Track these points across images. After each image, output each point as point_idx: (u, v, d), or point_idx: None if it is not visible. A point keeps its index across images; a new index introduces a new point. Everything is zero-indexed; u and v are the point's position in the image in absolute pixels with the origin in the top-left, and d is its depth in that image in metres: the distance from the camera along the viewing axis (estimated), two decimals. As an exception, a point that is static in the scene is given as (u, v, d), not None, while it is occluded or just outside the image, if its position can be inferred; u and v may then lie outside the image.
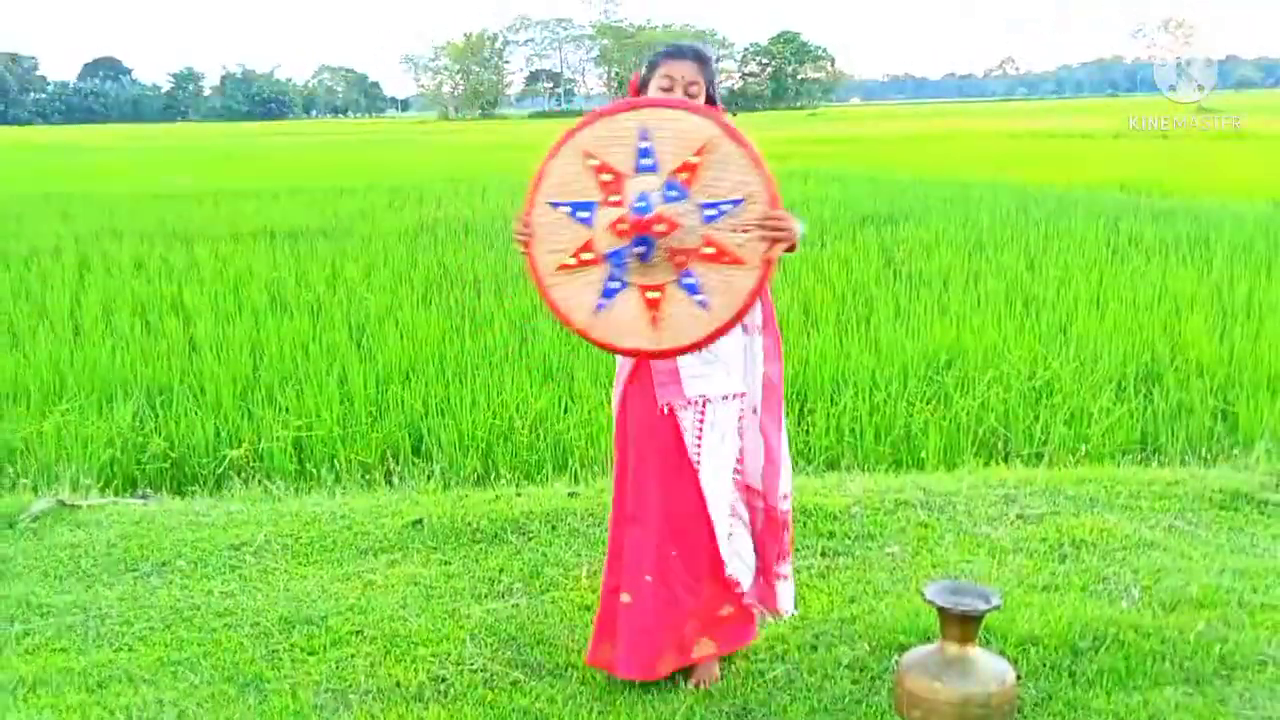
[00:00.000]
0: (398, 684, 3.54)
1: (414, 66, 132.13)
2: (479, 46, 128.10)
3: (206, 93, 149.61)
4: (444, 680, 3.57)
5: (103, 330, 8.77)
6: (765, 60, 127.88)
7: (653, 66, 3.22)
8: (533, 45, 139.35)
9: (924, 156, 30.34)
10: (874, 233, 13.52)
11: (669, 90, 3.14)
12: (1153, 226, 13.34)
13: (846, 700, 3.41)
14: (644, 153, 2.94)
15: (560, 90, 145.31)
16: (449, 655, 3.73)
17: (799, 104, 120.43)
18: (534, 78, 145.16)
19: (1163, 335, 7.91)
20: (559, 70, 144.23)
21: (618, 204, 2.95)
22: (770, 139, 44.63)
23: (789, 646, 3.75)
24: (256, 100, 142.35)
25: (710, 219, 2.92)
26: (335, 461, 6.03)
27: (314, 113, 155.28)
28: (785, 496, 3.49)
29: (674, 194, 2.92)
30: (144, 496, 5.54)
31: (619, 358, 3.35)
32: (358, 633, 3.92)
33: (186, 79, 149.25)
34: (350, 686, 3.54)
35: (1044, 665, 3.56)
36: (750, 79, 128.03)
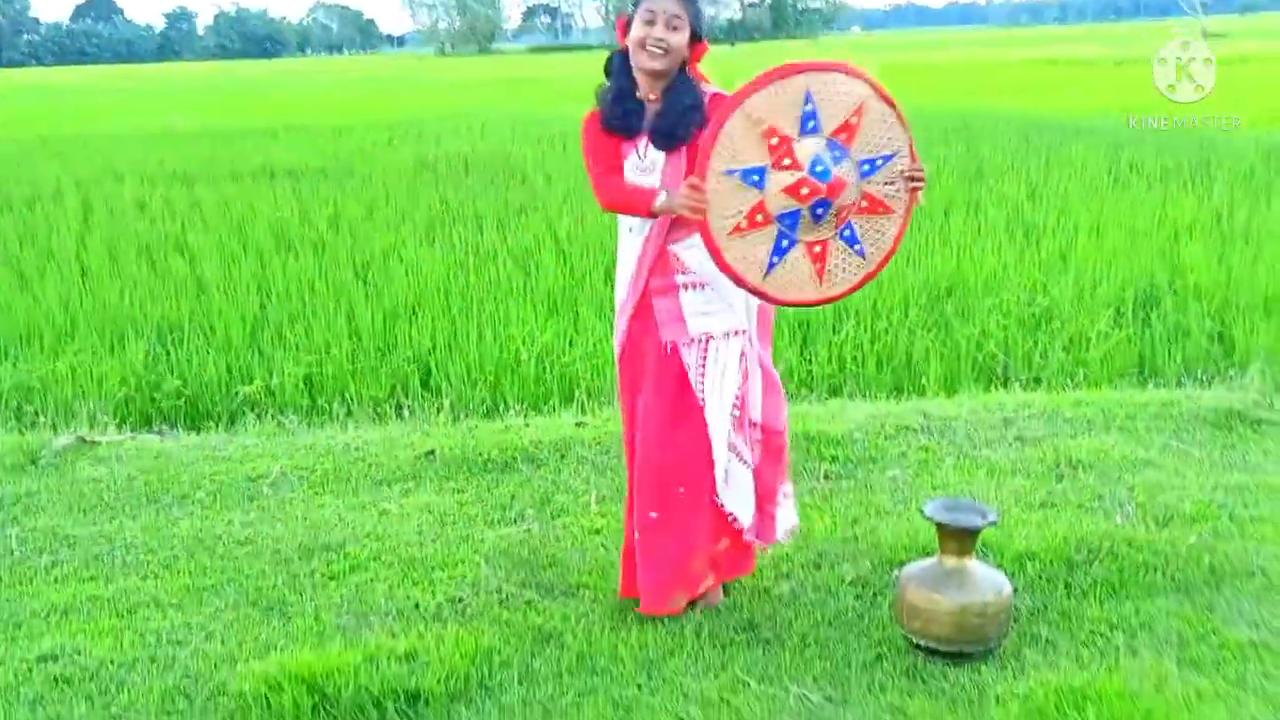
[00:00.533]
0: (416, 605, 3.67)
1: (410, 3, 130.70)
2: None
3: (200, 32, 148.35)
4: (461, 601, 3.70)
5: (110, 271, 8.85)
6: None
7: (637, 2, 3.23)
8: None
9: (925, 86, 30.11)
10: (875, 163, 13.51)
11: (651, 24, 3.17)
12: (1154, 153, 13.35)
13: (849, 614, 3.53)
14: (809, 115, 3.05)
15: (558, 25, 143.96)
16: (465, 578, 3.86)
17: (800, 33, 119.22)
18: (531, 13, 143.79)
19: (1161, 261, 7.99)
20: (556, 5, 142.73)
21: (789, 167, 3.06)
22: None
23: (793, 565, 3.88)
24: (251, 39, 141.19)
25: (866, 175, 3.11)
26: (346, 396, 6.14)
27: (309, 51, 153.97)
28: (784, 422, 3.56)
29: (837, 154, 3.08)
30: (160, 433, 5.66)
31: (619, 295, 3.44)
32: (376, 558, 4.05)
33: (179, 18, 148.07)
34: (370, 608, 3.67)
35: (1040, 578, 3.68)
36: (751, 8, 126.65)
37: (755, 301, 3.38)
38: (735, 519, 3.45)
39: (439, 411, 5.79)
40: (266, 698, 3.06)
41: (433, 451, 5.00)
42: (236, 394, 6.23)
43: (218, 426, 5.89)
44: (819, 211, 3.09)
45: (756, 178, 3.06)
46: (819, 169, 3.06)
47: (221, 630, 3.55)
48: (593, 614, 3.58)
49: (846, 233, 3.15)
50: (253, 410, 6.00)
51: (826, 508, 4.35)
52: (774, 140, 3.04)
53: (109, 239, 10.18)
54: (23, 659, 3.40)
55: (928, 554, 3.69)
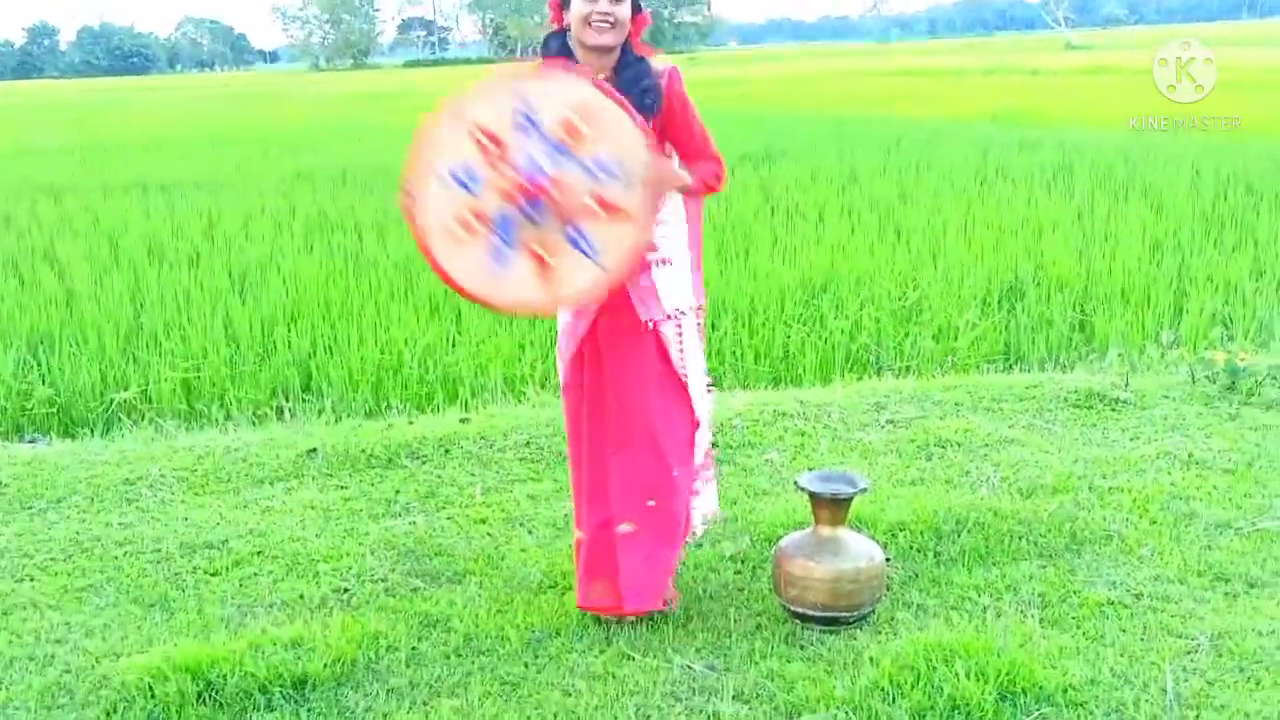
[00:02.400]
0: (301, 596, 3.68)
1: (282, 17, 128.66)
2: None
3: (63, 48, 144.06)
4: (346, 591, 3.71)
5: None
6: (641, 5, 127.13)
7: None
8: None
9: (801, 97, 30.72)
10: (752, 170, 13.78)
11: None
12: (1019, 156, 13.83)
13: (729, 588, 3.64)
14: (526, 118, 2.96)
15: (434, 39, 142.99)
16: (350, 569, 3.87)
17: (677, 48, 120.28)
18: (406, 26, 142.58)
19: (1026, 256, 8.29)
20: (432, 18, 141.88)
21: (504, 169, 2.96)
22: (648, 83, 44.56)
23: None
24: (117, 55, 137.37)
25: (595, 178, 2.97)
26: (225, 400, 6.08)
27: (179, 67, 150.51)
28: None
29: (559, 156, 2.96)
30: (32, 441, 5.53)
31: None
32: (259, 553, 4.03)
33: (41, 33, 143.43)
34: (255, 601, 3.66)
35: (911, 548, 3.83)
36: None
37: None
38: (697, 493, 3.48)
39: (320, 413, 5.77)
40: (150, 687, 3.04)
41: (315, 450, 4.98)
42: (111, 401, 6.12)
43: (93, 433, 5.78)
44: (530, 212, 2.96)
45: (471, 181, 2.97)
46: (531, 168, 2.95)
47: (102, 628, 3.51)
48: (479, 599, 3.62)
49: (574, 236, 2.98)
50: (129, 416, 5.90)
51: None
52: (488, 143, 2.95)
53: (-29, 254, 9.88)
54: (-107, 663, 3.32)
55: (804, 528, 3.82)
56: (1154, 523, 4.01)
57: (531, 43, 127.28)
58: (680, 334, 3.33)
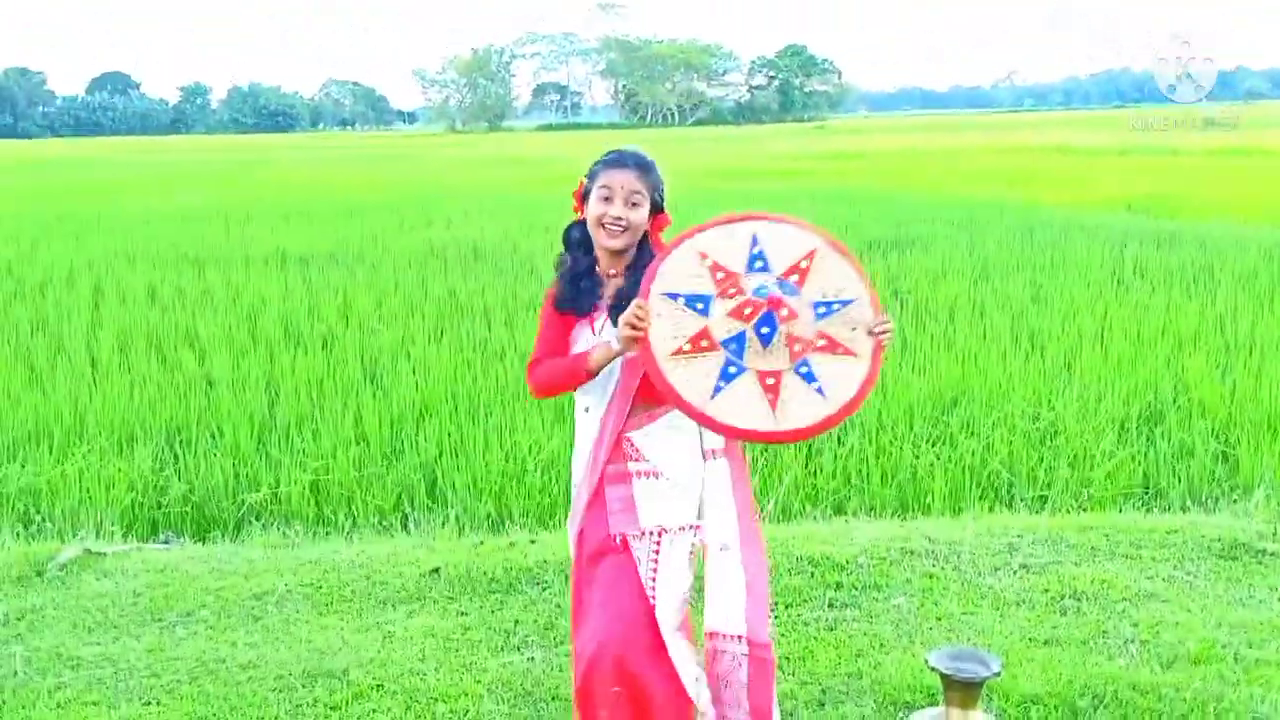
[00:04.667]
0: (418, 742, 3.67)
1: (421, 80, 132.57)
2: (486, 60, 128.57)
3: (214, 106, 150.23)
4: (463, 738, 3.70)
5: (119, 365, 8.92)
6: (772, 73, 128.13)
7: (593, 175, 3.15)
8: (540, 59, 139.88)
9: (931, 172, 30.51)
10: (881, 259, 13.65)
11: (609, 200, 3.09)
12: (1157, 253, 13.47)
13: (853, 760, 3.53)
14: (757, 255, 3.06)
15: (567, 103, 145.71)
16: (467, 712, 3.86)
17: (806, 116, 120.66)
18: (540, 90, 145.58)
19: (1166, 372, 8.02)
20: (565, 84, 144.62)
21: (734, 295, 3.02)
22: (775, 153, 44.83)
23: (797, 703, 3.87)
24: (263, 113, 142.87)
25: (822, 315, 3.04)
26: (352, 505, 6.16)
27: (321, 125, 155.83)
28: (770, 633, 3.19)
29: (787, 290, 3.03)
30: (166, 541, 5.68)
31: (576, 476, 3.28)
32: (378, 687, 4.05)
33: (194, 93, 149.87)
34: (373, 744, 3.66)
35: (1044, 726, 3.67)
36: (757, 91, 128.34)
37: (728, 497, 3.18)
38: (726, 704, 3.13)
39: (444, 524, 5.81)
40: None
41: (437, 569, 5.01)
42: (243, 502, 6.26)
43: (223, 535, 5.91)
44: (764, 331, 3.00)
45: (701, 305, 3.01)
46: (762, 291, 3.01)
47: (223, 766, 3.55)
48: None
49: (804, 369, 3.02)
50: (258, 519, 6.02)
51: (831, 638, 4.34)
52: (720, 275, 3.02)
53: (119, 328, 10.27)
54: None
55: (931, 694, 3.71)
56: (1305, 704, 3.79)
57: (662, 109, 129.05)
58: (656, 554, 3.11)
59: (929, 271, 12.67)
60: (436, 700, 3.94)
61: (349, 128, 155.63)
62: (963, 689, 3.25)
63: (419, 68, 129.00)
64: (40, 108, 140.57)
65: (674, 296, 3.02)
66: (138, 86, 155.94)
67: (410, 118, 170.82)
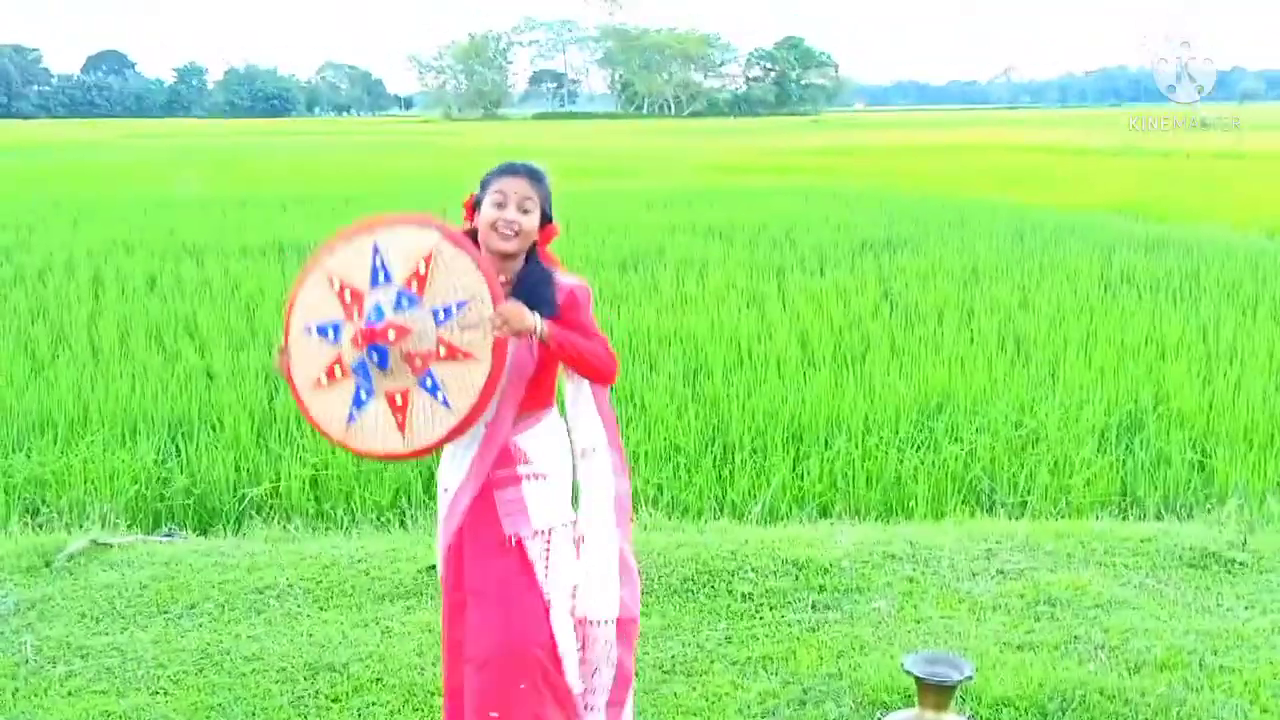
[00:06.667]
0: (416, 734, 3.84)
1: (418, 65, 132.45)
2: (483, 47, 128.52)
3: (210, 87, 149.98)
4: (459, 731, 3.85)
5: (121, 355, 9.06)
6: (769, 65, 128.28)
7: (485, 184, 3.23)
8: (537, 46, 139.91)
9: (925, 170, 30.69)
10: (873, 260, 13.82)
11: (502, 206, 3.16)
12: (1145, 259, 13.64)
13: (831, 758, 3.70)
14: (379, 267, 3.12)
15: (564, 91, 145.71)
16: (463, 706, 4.02)
17: (803, 109, 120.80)
18: (538, 78, 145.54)
19: (1147, 380, 8.19)
20: (563, 71, 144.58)
21: (355, 319, 3.12)
22: (771, 148, 45.00)
23: (779, 701, 4.05)
24: (260, 96, 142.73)
25: (441, 322, 3.08)
26: (350, 501, 6.32)
27: (317, 110, 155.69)
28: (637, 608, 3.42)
29: (406, 303, 3.10)
30: (170, 534, 5.83)
31: (444, 492, 3.33)
32: (378, 680, 4.22)
33: (190, 74, 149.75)
34: (373, 736, 3.83)
35: (1014, 728, 3.85)
36: (754, 83, 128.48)
37: (605, 490, 3.33)
38: (591, 707, 3.35)
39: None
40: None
41: (434, 566, 5.15)
42: (244, 496, 6.41)
43: (225, 528, 6.07)
44: (375, 357, 3.07)
45: (332, 332, 3.13)
46: (372, 316, 3.08)
47: (230, 755, 3.71)
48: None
49: (428, 382, 3.08)
50: (259, 513, 6.18)
51: (813, 640, 4.51)
52: (347, 296, 3.11)
53: (120, 318, 10.40)
54: (39, 780, 3.55)
55: (908, 695, 3.88)
56: (1265, 711, 3.97)
57: (658, 99, 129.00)
58: (548, 552, 3.25)
59: (919, 272, 12.85)
60: (434, 694, 4.10)
61: (345, 113, 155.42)
62: (936, 692, 3.43)
63: (414, 52, 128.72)
64: (35, 86, 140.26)
65: (309, 329, 3.16)
66: (134, 66, 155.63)
67: (407, 103, 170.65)
